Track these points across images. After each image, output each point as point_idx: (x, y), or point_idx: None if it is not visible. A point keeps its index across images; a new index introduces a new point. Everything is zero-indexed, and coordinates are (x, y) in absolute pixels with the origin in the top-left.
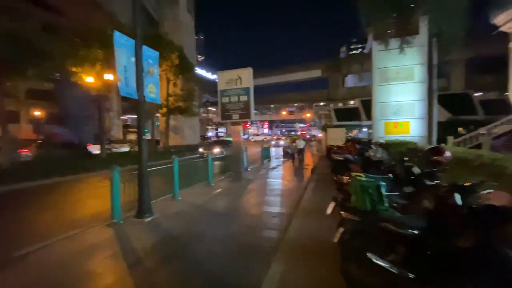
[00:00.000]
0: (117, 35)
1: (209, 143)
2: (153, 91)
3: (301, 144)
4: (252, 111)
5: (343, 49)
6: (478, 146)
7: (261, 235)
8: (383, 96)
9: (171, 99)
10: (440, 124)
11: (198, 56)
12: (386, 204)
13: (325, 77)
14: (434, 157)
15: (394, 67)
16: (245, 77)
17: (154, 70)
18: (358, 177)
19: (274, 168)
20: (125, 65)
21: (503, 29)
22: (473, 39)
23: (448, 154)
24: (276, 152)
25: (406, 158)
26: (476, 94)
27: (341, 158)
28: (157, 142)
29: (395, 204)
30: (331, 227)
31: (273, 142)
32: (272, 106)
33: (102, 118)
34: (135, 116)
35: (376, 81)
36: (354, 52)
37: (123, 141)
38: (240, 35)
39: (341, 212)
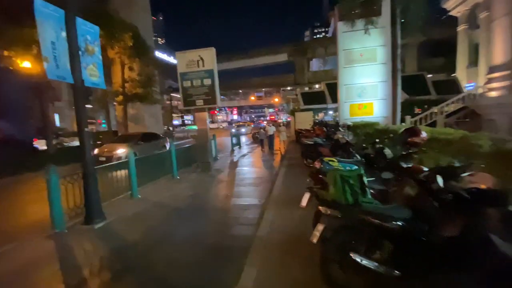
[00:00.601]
0: (38, 3)
1: (114, 140)
2: (95, 74)
3: (271, 130)
4: (218, 95)
5: (307, 33)
6: (433, 124)
7: (231, 234)
8: (348, 78)
9: (127, 85)
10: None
11: (159, 39)
12: (369, 196)
13: (291, 61)
14: (410, 138)
15: (358, 49)
16: (208, 58)
17: (95, 49)
18: (331, 162)
19: (244, 155)
20: (52, 41)
21: (452, 13)
22: (425, 24)
23: (424, 134)
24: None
25: (377, 140)
26: (429, 76)
27: (311, 142)
28: (115, 133)
29: (372, 191)
30: (306, 220)
31: (233, 130)
32: (240, 91)
33: (45, 109)
34: (91, 106)
35: (341, 63)
36: (317, 36)
37: (75, 134)
38: (203, 17)
39: (320, 207)
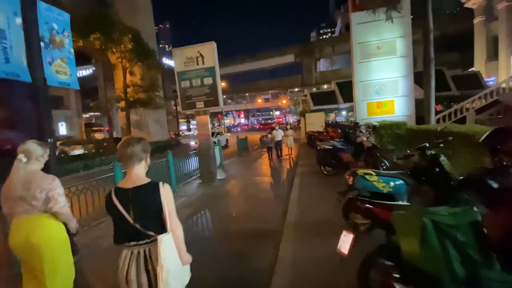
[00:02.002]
0: None
1: None
2: (65, 71)
3: (278, 135)
4: (221, 96)
5: (313, 34)
6: (461, 121)
7: (236, 285)
8: (364, 74)
9: (129, 90)
10: (416, 101)
11: (166, 46)
12: (497, 264)
13: (298, 62)
14: (508, 145)
15: (375, 42)
16: (208, 53)
17: (64, 40)
18: (367, 177)
19: (251, 162)
20: (2, 28)
21: (468, 5)
22: (438, 18)
23: None
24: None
25: (426, 144)
26: (448, 71)
27: (329, 147)
28: (118, 140)
29: None
30: (345, 265)
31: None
32: (247, 94)
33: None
34: (98, 113)
35: (356, 58)
36: (324, 37)
37: (77, 142)
38: (209, 22)
39: (395, 285)
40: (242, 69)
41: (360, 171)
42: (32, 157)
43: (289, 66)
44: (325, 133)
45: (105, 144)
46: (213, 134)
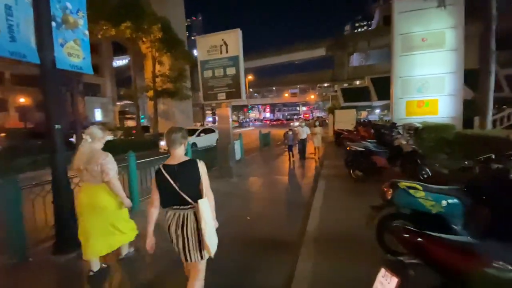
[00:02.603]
0: None
1: None
2: (77, 54)
3: (303, 132)
4: (243, 88)
5: (347, 27)
6: None
7: None
8: (405, 68)
9: (158, 80)
10: (465, 102)
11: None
12: None
13: (329, 57)
14: None
15: (420, 32)
16: (232, 42)
17: (78, 21)
18: (412, 191)
19: (273, 158)
20: (8, 4)
21: None
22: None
23: None
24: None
25: (492, 156)
26: (502, 70)
27: (361, 149)
28: (146, 128)
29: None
30: None
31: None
32: (274, 88)
33: (75, 102)
34: (131, 102)
35: (397, 51)
36: (359, 30)
37: (106, 128)
38: (241, 13)
39: None
40: (271, 62)
41: (403, 184)
42: (95, 138)
43: (319, 60)
44: (355, 132)
45: (134, 131)
46: (194, 131)
